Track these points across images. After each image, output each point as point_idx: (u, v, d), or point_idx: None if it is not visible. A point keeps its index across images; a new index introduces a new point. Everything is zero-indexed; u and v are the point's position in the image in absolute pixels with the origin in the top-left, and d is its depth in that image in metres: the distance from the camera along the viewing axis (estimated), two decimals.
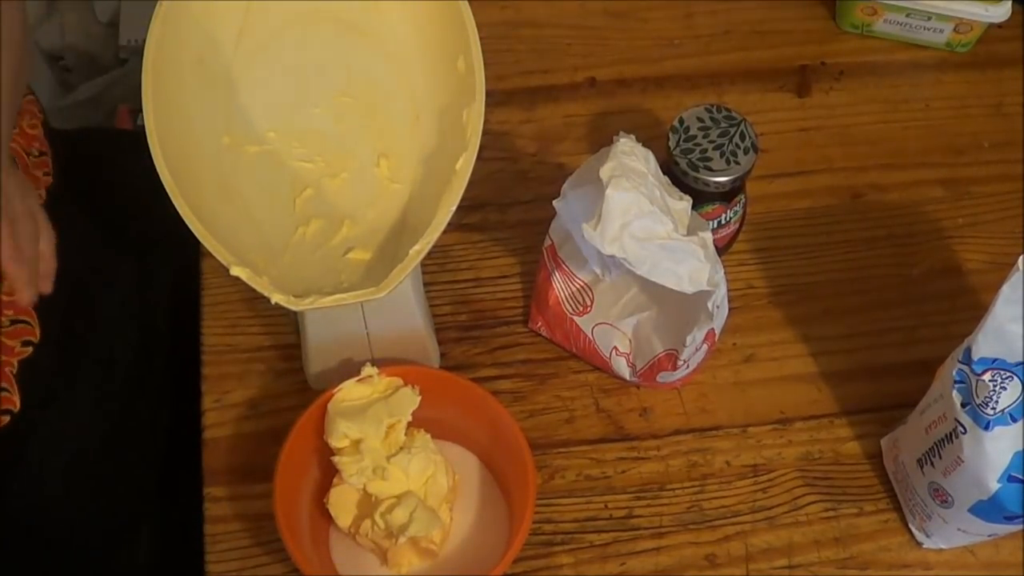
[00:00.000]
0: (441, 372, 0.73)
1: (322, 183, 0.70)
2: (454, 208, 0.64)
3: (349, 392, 0.70)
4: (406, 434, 0.69)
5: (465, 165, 0.65)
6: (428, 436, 0.70)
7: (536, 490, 0.67)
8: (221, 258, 0.62)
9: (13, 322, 0.74)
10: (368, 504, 0.69)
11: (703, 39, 0.97)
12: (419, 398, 0.69)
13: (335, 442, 0.68)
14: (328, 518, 0.70)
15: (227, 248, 0.62)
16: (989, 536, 0.70)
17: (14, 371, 0.73)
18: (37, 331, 0.75)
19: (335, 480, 0.70)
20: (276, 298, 0.62)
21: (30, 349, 0.75)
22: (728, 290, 0.71)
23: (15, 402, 0.73)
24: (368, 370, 0.70)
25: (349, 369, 0.71)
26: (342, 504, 0.69)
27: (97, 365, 0.82)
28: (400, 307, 0.73)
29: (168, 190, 0.62)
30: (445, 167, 0.66)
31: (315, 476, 0.71)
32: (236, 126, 0.68)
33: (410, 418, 0.69)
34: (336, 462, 0.68)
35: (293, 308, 0.63)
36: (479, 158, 0.88)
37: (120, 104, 1.42)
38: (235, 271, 0.62)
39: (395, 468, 0.68)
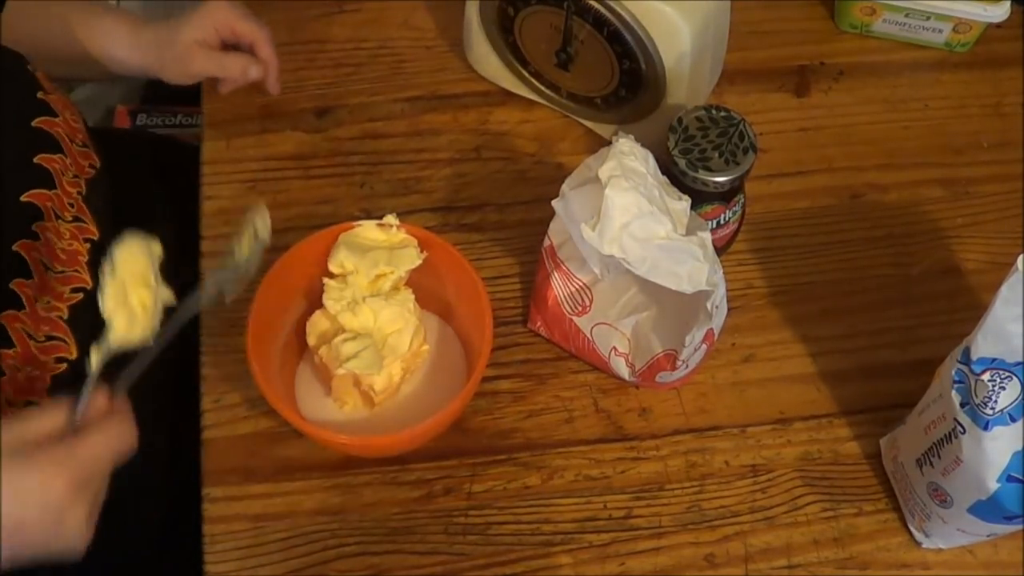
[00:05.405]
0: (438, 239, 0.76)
1: None
2: None
3: (365, 231, 0.75)
4: (395, 288, 0.75)
5: None
6: (413, 298, 0.75)
7: (491, 346, 0.71)
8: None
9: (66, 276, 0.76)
10: (334, 333, 0.74)
11: None
12: (420, 261, 0.74)
13: (333, 267, 0.74)
14: (305, 346, 0.76)
15: None
16: (988, 536, 0.70)
17: (63, 317, 0.75)
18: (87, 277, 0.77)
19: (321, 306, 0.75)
20: None
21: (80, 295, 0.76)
22: (727, 290, 0.71)
23: (72, 350, 0.75)
24: (390, 219, 0.75)
25: None
26: (316, 326, 0.75)
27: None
28: None
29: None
30: None
31: (302, 306, 0.76)
32: None
33: (404, 276, 0.74)
34: (325, 283, 0.74)
35: None
36: (479, 158, 0.89)
37: (118, 104, 1.41)
38: None
39: (367, 308, 0.73)
